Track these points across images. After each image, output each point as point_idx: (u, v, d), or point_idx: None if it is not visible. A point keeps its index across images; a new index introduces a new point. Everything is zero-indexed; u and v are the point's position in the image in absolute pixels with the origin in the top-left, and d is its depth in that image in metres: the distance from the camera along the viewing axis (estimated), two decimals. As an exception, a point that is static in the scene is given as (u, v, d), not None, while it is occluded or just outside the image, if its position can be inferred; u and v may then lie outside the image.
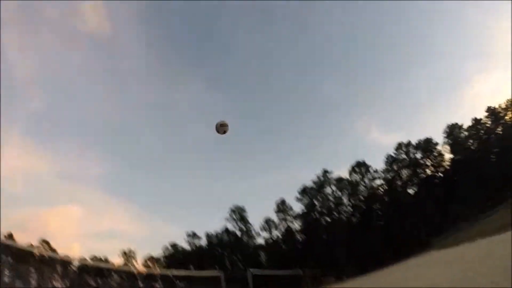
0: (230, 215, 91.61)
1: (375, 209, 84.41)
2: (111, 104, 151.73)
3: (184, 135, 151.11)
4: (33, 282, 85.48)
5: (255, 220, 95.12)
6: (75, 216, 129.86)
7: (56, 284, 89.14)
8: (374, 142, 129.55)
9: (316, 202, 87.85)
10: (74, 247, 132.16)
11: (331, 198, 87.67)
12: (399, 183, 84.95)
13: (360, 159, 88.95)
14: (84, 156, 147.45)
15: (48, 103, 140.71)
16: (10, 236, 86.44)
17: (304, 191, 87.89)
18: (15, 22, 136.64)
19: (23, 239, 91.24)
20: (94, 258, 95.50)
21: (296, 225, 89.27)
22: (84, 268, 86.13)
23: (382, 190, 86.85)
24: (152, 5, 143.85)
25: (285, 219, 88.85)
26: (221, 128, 10.22)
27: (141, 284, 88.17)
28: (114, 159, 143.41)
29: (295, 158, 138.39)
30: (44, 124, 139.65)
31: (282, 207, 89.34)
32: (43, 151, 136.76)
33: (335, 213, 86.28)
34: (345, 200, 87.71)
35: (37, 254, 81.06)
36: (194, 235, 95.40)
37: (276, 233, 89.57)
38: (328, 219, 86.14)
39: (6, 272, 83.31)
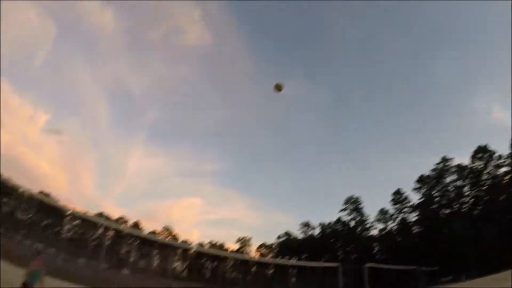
0: (345, 206, 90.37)
1: (500, 200, 78.41)
2: (222, 106, 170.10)
3: (295, 129, 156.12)
4: (155, 263, 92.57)
5: (370, 211, 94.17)
6: (196, 207, 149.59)
7: (175, 265, 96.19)
8: (498, 123, 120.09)
9: (434, 193, 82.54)
10: (194, 233, 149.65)
11: (451, 188, 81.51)
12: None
13: (482, 143, 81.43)
14: (201, 155, 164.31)
15: (164, 112, 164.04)
16: (136, 224, 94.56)
17: (422, 180, 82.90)
18: (125, 47, 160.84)
19: (150, 226, 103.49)
20: (212, 244, 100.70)
21: (413, 217, 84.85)
22: (202, 253, 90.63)
23: (507, 179, 78.94)
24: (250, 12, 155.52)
25: (401, 210, 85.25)
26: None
27: (254, 270, 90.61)
28: (230, 155, 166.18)
29: (412, 146, 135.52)
30: (163, 130, 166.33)
31: (398, 198, 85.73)
32: (164, 153, 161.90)
33: (455, 205, 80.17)
34: (466, 190, 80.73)
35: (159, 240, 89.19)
36: (307, 225, 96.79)
37: (391, 225, 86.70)
38: (447, 211, 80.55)
39: (133, 252, 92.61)
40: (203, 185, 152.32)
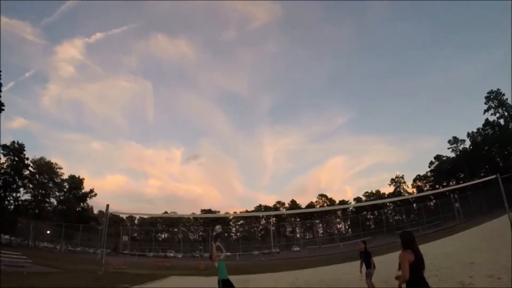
0: (487, 104, 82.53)
1: None
2: (323, 63, 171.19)
3: (404, 44, 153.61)
4: (320, 231, 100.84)
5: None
6: (340, 164, 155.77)
7: (339, 226, 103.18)
8: None
9: None
10: (348, 190, 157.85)
11: None
12: None
13: None
14: (326, 114, 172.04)
15: (274, 92, 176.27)
16: (293, 202, 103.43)
17: None
18: (212, 62, 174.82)
19: (305, 199, 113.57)
20: (367, 194, 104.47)
21: None
22: (360, 206, 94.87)
23: None
24: None
25: None
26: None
27: (415, 206, 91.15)
28: (352, 103, 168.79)
29: None
30: (282, 108, 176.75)
31: None
32: (292, 127, 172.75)
33: None
34: None
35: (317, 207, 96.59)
36: (456, 140, 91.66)
37: None
38: None
39: (297, 229, 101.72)
40: (339, 141, 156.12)
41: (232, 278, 11.25)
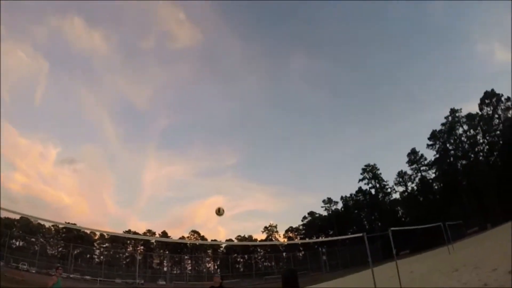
0: (363, 175, 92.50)
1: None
2: (227, 101, 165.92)
3: (301, 105, 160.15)
4: (188, 267, 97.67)
5: (389, 175, 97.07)
6: (219, 204, 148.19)
7: (208, 265, 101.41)
8: (502, 65, 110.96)
9: (448, 146, 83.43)
10: (221, 231, 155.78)
11: (464, 139, 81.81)
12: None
13: (488, 88, 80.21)
14: (216, 152, 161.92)
15: (171, 117, 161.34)
16: (164, 233, 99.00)
17: (434, 136, 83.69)
18: (120, 63, 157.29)
19: (178, 233, 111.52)
20: (240, 238, 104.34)
21: (431, 174, 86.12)
22: (231, 248, 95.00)
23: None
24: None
25: (418, 170, 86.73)
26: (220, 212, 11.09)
27: (284, 255, 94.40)
28: (244, 148, 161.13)
29: (418, 102, 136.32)
30: (174, 135, 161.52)
31: (413, 157, 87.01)
32: (179, 157, 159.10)
33: (471, 155, 79.97)
34: (479, 138, 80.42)
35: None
36: (330, 201, 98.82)
37: (411, 186, 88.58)
38: (464, 163, 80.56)
39: (165, 262, 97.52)
40: (222, 182, 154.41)
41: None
